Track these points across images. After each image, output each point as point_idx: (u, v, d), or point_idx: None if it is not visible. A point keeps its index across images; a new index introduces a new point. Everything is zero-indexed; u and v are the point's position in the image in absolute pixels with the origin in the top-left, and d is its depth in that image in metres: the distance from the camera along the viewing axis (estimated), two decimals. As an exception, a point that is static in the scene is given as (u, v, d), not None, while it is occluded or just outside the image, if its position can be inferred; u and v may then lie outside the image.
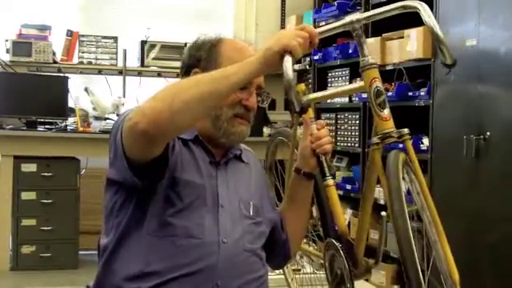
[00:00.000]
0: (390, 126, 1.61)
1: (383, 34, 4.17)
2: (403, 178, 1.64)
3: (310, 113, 1.85)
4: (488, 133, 3.23)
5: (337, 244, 1.75)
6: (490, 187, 3.25)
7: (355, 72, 4.58)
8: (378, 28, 4.13)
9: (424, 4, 1.55)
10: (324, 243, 1.84)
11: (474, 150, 3.30)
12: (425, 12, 1.52)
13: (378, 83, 1.62)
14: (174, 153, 1.58)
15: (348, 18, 1.62)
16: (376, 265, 1.76)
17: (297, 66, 5.36)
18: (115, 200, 1.62)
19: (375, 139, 1.64)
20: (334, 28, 1.64)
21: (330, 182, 1.82)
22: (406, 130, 1.61)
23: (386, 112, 1.61)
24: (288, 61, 1.43)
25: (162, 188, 1.56)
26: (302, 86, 1.88)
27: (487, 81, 3.28)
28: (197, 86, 1.42)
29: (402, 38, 3.99)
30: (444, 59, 1.55)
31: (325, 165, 1.81)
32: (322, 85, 5.11)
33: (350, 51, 4.65)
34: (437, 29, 1.52)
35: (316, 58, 5.10)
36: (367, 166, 1.75)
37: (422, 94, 3.80)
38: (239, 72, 1.45)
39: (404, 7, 1.58)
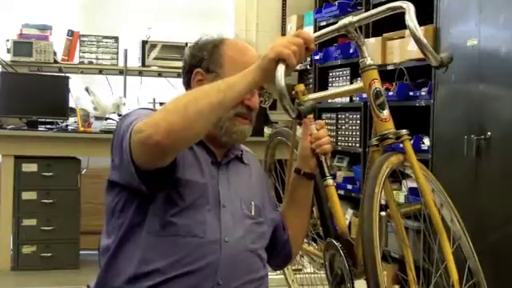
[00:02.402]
0: (389, 126, 1.62)
1: (384, 34, 4.17)
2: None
3: None
4: (489, 133, 3.23)
5: (337, 244, 1.75)
6: (490, 187, 3.25)
7: (356, 72, 4.58)
8: (379, 28, 4.13)
9: (410, 5, 1.55)
10: (324, 243, 1.84)
11: (474, 150, 3.30)
12: (409, 13, 1.53)
13: (378, 84, 1.62)
14: (176, 164, 1.58)
15: (341, 22, 1.64)
16: None
17: (298, 66, 5.35)
18: (116, 201, 1.62)
19: (374, 140, 1.64)
20: (329, 32, 1.64)
21: (330, 181, 1.82)
22: (404, 131, 1.61)
23: (386, 113, 1.62)
24: (280, 70, 1.44)
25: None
26: (301, 86, 1.88)
27: (488, 80, 3.28)
28: (207, 97, 1.43)
29: (403, 37, 3.98)
30: (429, 61, 1.55)
31: (324, 165, 1.81)
32: (322, 85, 5.11)
33: (351, 51, 4.66)
34: (418, 32, 1.51)
35: (317, 57, 5.10)
36: (367, 167, 1.74)
37: (423, 93, 3.80)
38: (242, 81, 1.47)
39: (392, 8, 1.59)
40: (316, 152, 1.79)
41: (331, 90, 1.94)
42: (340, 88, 1.80)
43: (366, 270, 1.42)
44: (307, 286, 2.32)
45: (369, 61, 1.63)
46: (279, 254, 1.86)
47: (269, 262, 1.83)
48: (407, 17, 1.52)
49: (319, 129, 1.80)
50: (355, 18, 1.62)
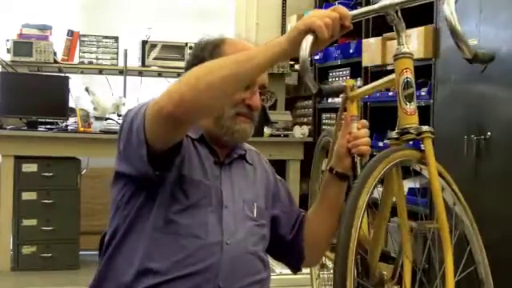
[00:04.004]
0: (412, 121, 1.53)
1: (384, 34, 4.17)
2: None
3: (353, 110, 1.77)
4: (489, 133, 3.23)
5: None
6: (490, 187, 3.25)
7: (356, 72, 4.59)
8: (379, 28, 4.13)
9: None
10: None
11: (474, 150, 3.29)
12: (448, 3, 1.42)
13: (409, 74, 1.52)
14: (183, 146, 1.58)
15: (382, 3, 1.51)
16: (392, 280, 1.59)
17: (297, 66, 5.36)
18: (123, 193, 1.62)
19: (393, 134, 1.55)
20: (367, 12, 1.54)
21: None
22: (426, 127, 1.53)
23: (412, 106, 1.53)
24: (307, 40, 1.35)
25: (169, 184, 1.57)
26: (352, 82, 1.81)
27: (488, 81, 3.28)
28: (221, 68, 1.41)
29: (403, 37, 3.98)
30: (462, 54, 1.46)
31: (358, 167, 1.69)
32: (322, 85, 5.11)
33: (351, 51, 4.66)
34: (455, 21, 1.41)
35: (317, 57, 5.10)
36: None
37: (423, 93, 3.80)
38: (265, 53, 1.41)
39: None
40: (352, 152, 1.69)
41: (372, 83, 1.89)
42: (379, 80, 1.73)
43: (335, 264, 1.31)
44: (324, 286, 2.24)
45: (405, 48, 1.53)
46: (289, 251, 1.81)
47: (281, 260, 1.82)
48: (445, 6, 1.46)
49: (360, 128, 1.71)
50: (396, 1, 1.50)
